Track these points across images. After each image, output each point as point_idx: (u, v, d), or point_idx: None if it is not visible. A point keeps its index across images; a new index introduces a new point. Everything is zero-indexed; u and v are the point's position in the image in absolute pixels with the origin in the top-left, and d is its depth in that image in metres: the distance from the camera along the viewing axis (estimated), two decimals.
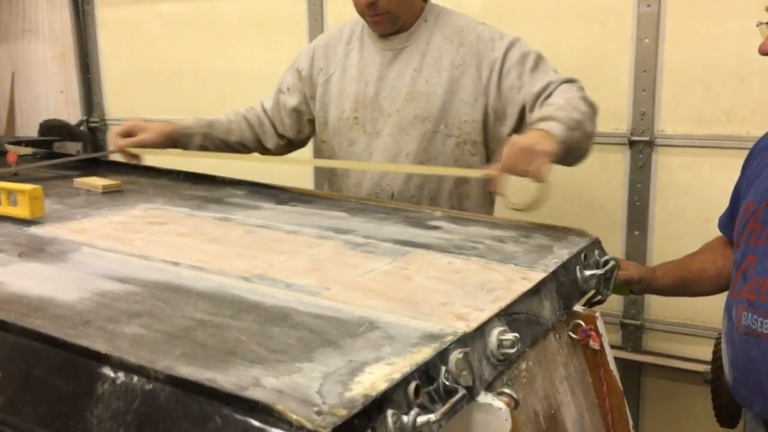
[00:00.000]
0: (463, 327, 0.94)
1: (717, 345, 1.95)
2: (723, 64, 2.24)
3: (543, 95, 1.60)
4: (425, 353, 0.85)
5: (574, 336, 1.22)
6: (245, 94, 3.13)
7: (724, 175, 2.22)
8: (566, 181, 2.27)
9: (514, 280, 1.14)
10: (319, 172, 2.93)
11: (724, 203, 1.61)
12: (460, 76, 1.70)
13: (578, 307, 1.26)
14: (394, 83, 1.74)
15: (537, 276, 1.16)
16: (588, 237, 1.41)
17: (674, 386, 2.44)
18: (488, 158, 1.76)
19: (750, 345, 1.22)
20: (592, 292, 1.36)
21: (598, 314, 1.25)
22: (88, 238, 1.32)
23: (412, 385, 0.80)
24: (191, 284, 1.09)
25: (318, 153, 1.93)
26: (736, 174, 2.25)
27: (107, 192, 1.73)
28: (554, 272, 1.20)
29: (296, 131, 1.94)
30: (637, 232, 2.42)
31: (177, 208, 1.59)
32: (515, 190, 1.44)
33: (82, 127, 3.45)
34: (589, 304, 1.39)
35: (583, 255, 1.33)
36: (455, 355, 0.87)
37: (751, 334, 1.21)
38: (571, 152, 1.51)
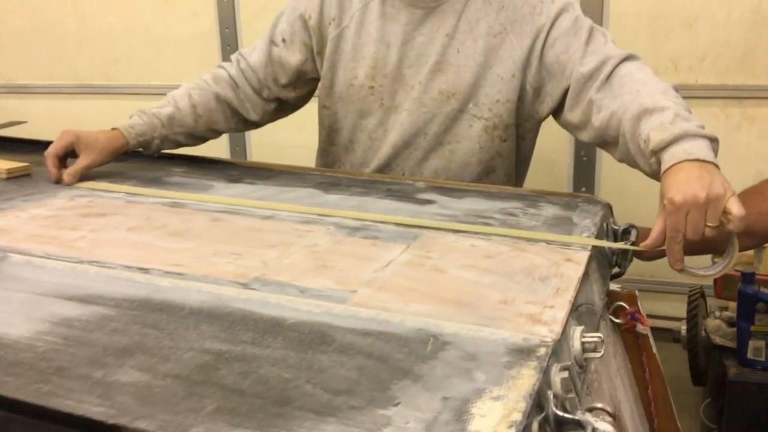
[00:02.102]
0: (547, 333, 0.76)
1: (691, 303, 1.89)
2: (669, 10, 2.16)
3: (598, 77, 1.31)
4: (529, 377, 0.67)
5: (616, 320, 1.08)
6: (141, 55, 2.81)
7: None
8: None
9: (560, 263, 0.97)
10: (235, 140, 2.66)
11: None
12: (498, 46, 1.41)
13: (613, 286, 1.12)
14: (422, 49, 1.44)
15: (581, 257, 1.00)
16: (600, 203, 1.27)
17: None
18: (520, 142, 1.52)
19: None
20: None
21: (637, 293, 1.11)
22: (13, 242, 1.03)
23: (535, 425, 0.62)
24: (179, 298, 0.84)
25: (318, 118, 1.60)
26: None
27: (13, 177, 1.41)
28: (592, 249, 1.04)
29: (293, 91, 1.59)
30: (584, 189, 2.34)
31: (110, 194, 1.30)
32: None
33: None
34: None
35: (605, 225, 1.18)
36: (558, 375, 0.69)
37: None
38: None
